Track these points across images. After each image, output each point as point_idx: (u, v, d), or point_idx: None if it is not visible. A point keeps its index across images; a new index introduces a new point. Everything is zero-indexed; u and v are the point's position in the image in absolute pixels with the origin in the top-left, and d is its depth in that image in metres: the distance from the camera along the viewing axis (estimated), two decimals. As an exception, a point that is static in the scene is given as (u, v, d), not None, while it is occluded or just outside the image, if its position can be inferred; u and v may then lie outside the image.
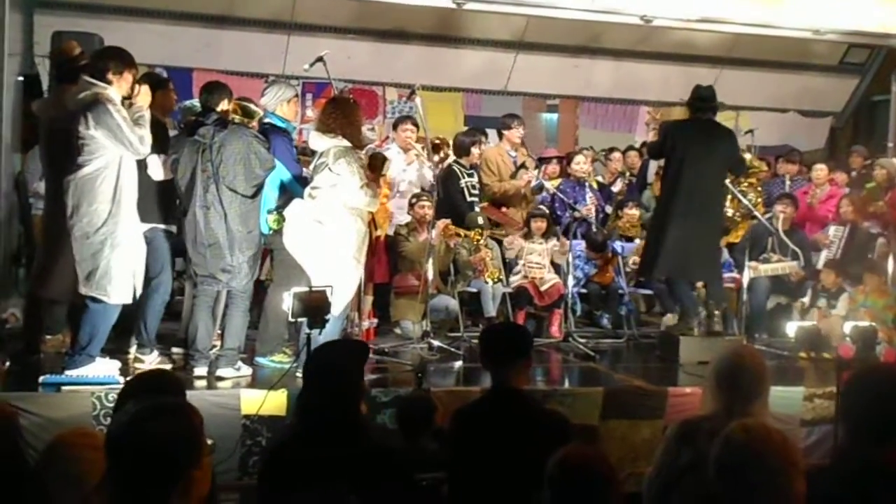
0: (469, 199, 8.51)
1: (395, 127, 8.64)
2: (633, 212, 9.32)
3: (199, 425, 2.48)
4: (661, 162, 9.33)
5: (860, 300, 8.10)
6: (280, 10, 9.84)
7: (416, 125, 8.54)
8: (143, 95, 5.95)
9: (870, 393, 3.02)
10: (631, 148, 10.67)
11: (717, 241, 7.92)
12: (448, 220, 7.95)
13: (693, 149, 7.38)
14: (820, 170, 9.78)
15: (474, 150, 8.67)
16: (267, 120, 6.77)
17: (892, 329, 7.55)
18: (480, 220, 8.24)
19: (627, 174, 10.26)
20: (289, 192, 6.57)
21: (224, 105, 6.27)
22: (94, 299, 5.75)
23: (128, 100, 5.86)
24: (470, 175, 8.61)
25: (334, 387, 3.46)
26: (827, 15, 9.65)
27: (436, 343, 7.31)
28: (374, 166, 6.75)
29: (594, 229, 8.84)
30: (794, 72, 11.47)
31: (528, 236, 8.57)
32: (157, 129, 6.10)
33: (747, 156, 8.60)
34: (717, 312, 7.78)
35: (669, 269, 7.54)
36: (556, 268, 8.50)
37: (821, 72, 11.59)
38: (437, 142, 8.70)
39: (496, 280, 8.15)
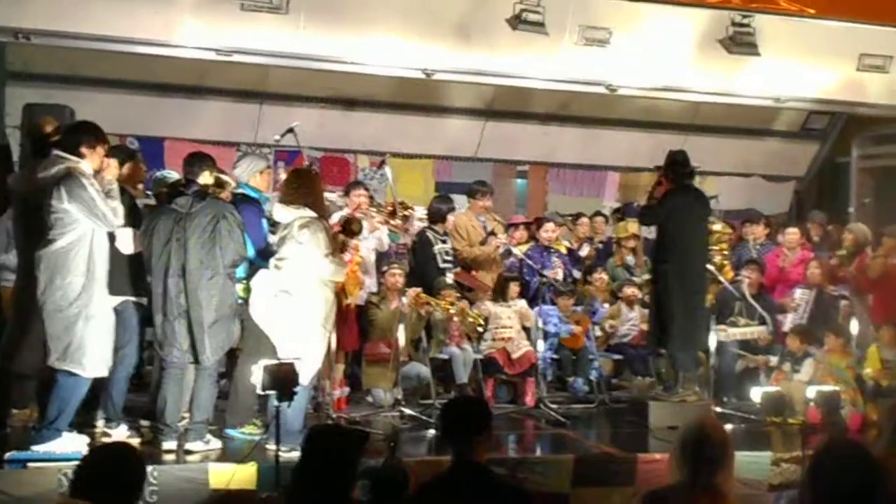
0: (442, 265, 8.56)
1: (347, 193, 8.44)
2: (602, 276, 9.45)
3: None
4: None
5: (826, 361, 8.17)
6: (252, 80, 9.93)
7: (367, 190, 8.56)
8: (112, 169, 6.05)
9: (838, 466, 3.08)
10: (598, 213, 10.80)
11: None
12: (419, 289, 7.98)
13: (687, 218, 7.64)
14: (792, 234, 9.84)
15: (449, 217, 8.76)
16: (239, 190, 6.86)
17: (855, 390, 7.63)
18: (449, 280, 8.29)
19: (595, 239, 10.35)
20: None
21: (206, 177, 6.32)
22: (67, 373, 5.72)
23: (97, 174, 5.92)
24: (444, 241, 8.68)
25: (331, 471, 3.47)
26: (787, 84, 9.90)
27: (407, 411, 7.32)
28: (350, 231, 6.83)
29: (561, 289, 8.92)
30: (757, 138, 11.66)
31: (496, 300, 8.59)
32: (126, 202, 6.13)
33: (717, 226, 8.85)
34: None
35: (685, 341, 7.68)
36: (528, 331, 8.52)
37: (783, 137, 11.79)
38: (392, 207, 8.66)
39: (478, 326, 8.16)
